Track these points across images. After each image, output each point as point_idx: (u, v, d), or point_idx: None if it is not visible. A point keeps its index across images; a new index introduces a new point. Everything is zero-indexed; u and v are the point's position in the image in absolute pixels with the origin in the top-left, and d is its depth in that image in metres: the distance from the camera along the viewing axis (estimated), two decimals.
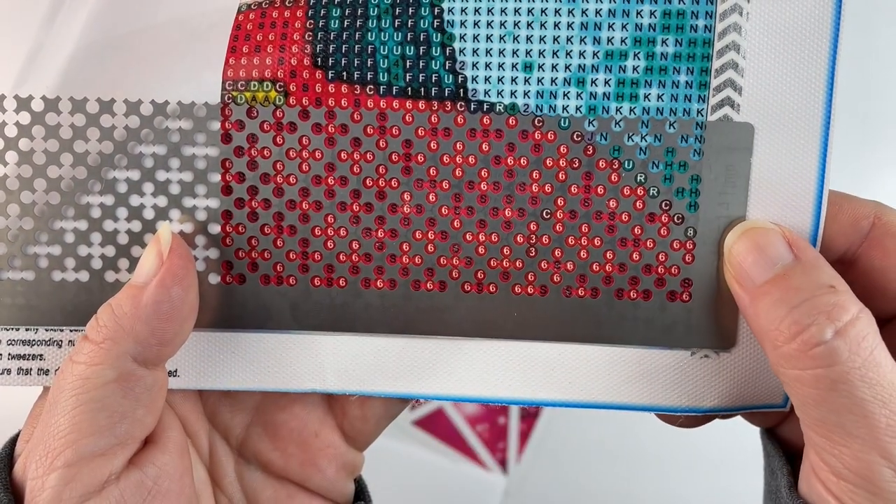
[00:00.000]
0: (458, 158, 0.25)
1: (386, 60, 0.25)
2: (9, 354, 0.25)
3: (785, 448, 0.26)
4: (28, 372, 0.25)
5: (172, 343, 0.23)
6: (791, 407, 0.26)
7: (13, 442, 0.25)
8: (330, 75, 0.25)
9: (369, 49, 0.25)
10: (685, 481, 0.49)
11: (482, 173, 0.25)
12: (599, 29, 0.24)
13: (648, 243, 0.25)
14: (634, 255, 0.25)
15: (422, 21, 0.24)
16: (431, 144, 0.25)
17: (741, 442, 0.46)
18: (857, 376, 0.21)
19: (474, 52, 0.24)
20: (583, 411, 0.49)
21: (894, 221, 0.25)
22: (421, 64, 0.25)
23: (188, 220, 0.25)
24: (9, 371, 0.25)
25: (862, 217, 0.25)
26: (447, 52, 0.24)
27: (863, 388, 0.21)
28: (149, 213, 0.25)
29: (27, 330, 0.25)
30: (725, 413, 0.26)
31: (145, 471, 0.24)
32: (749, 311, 0.23)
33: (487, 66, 0.24)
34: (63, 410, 0.22)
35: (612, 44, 0.24)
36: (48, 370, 0.25)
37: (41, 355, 0.25)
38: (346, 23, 0.25)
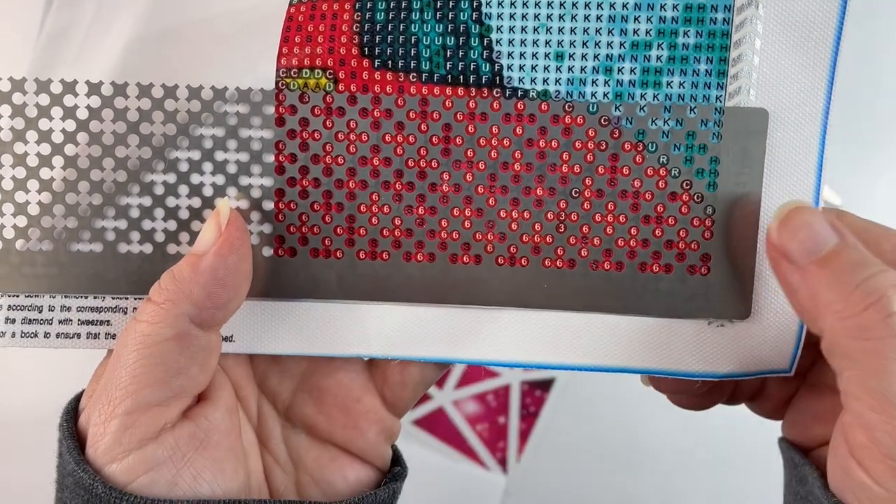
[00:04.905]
0: (493, 141, 0.27)
1: (428, 50, 0.27)
2: (79, 320, 0.27)
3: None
4: (97, 336, 0.27)
5: (227, 308, 0.25)
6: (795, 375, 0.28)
7: (78, 398, 0.27)
8: (376, 64, 0.27)
9: (413, 39, 0.27)
10: (685, 481, 0.50)
11: (516, 155, 0.27)
12: (626, 21, 0.26)
13: (670, 220, 0.27)
14: (657, 232, 0.27)
15: (461, 13, 0.27)
16: (469, 128, 0.27)
17: (741, 442, 0.47)
18: None
19: (510, 42, 0.26)
20: (583, 411, 0.50)
21: (849, 221, 0.26)
22: (460, 53, 0.27)
23: (244, 198, 0.27)
24: (79, 335, 0.27)
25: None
26: (485, 42, 0.27)
27: None
28: (208, 191, 0.27)
29: (95, 298, 0.27)
30: (737, 378, 0.28)
31: (198, 423, 0.26)
32: (802, 287, 0.23)
33: (522, 55, 0.26)
34: (125, 364, 0.24)
35: (638, 35, 0.26)
36: (115, 334, 0.27)
37: (108, 321, 0.27)
38: (391, 15, 0.27)
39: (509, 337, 0.28)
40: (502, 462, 0.49)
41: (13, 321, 0.27)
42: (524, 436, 0.49)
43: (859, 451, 0.22)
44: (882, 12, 0.46)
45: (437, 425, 0.49)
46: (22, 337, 0.27)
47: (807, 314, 0.24)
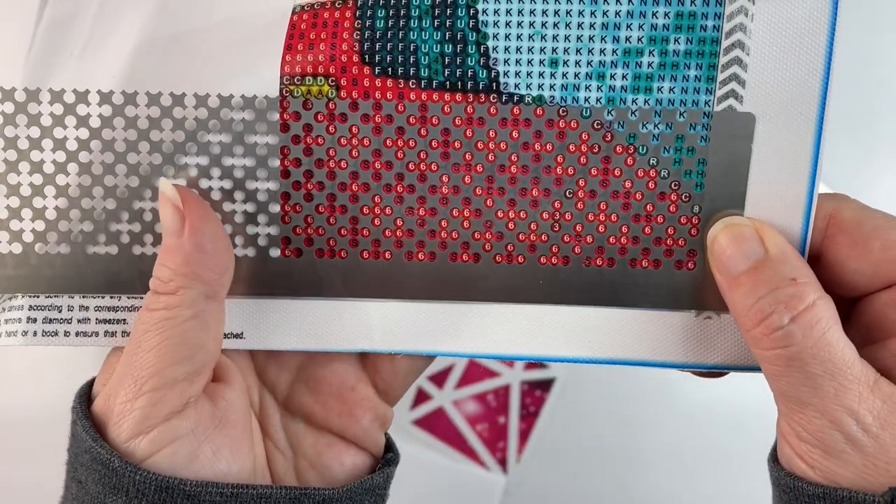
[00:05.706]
0: (490, 145, 0.28)
1: (427, 57, 0.28)
2: (96, 319, 0.29)
3: None
4: (114, 334, 0.29)
5: (228, 270, 0.27)
6: None
7: (89, 384, 0.29)
8: (377, 71, 0.28)
9: (412, 47, 0.28)
10: (685, 481, 0.49)
11: (512, 158, 0.28)
12: (618, 28, 0.27)
13: (659, 219, 0.28)
14: (646, 229, 0.28)
15: (459, 21, 0.27)
16: (467, 132, 0.28)
17: (741, 442, 0.46)
18: (808, 354, 0.24)
19: (506, 49, 0.27)
20: (583, 411, 0.50)
21: (846, 217, 0.27)
22: (458, 60, 0.27)
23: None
24: (97, 333, 0.29)
25: (820, 217, 0.28)
26: (482, 49, 0.27)
27: (813, 364, 0.24)
28: (216, 195, 0.28)
29: (112, 297, 0.29)
30: (728, 370, 0.30)
31: (217, 402, 0.28)
32: (727, 297, 0.27)
33: (517, 61, 0.27)
34: (148, 347, 0.26)
35: (630, 42, 0.27)
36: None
37: (124, 320, 0.29)
38: (390, 23, 0.27)
39: (506, 331, 0.29)
40: (502, 462, 0.49)
41: (34, 320, 0.29)
42: (524, 436, 0.49)
43: (783, 430, 0.26)
44: (883, 13, 0.45)
45: (436, 425, 0.49)
46: (43, 336, 0.29)
47: (735, 322, 0.27)
